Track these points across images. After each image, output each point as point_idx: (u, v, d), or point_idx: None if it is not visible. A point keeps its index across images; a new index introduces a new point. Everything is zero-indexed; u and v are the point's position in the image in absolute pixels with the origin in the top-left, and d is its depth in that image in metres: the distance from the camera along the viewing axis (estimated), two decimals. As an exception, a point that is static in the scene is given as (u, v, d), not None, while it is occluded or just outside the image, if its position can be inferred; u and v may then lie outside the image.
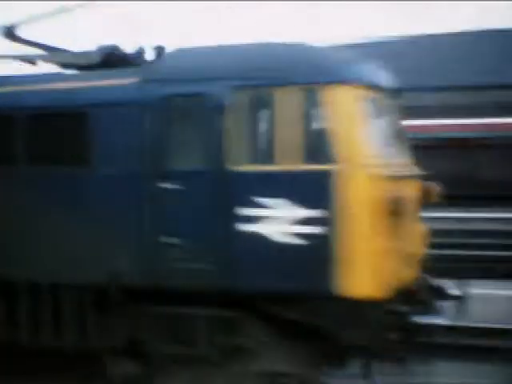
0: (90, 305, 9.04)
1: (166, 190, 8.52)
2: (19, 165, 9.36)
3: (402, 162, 9.10)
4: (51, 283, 9.20)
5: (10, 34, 10.36)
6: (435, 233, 11.14)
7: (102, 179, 8.81)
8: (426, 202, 9.26)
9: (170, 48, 9.27)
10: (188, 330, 8.66)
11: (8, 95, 9.41)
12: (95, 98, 8.83)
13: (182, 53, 8.89)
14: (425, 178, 9.37)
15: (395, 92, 9.35)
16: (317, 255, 7.96)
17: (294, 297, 8.15)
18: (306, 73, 8.10)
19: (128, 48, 9.57)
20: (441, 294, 9.17)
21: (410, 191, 8.92)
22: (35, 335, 9.29)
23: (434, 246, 10.36)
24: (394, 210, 7.94)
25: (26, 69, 10.24)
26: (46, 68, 10.19)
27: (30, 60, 10.09)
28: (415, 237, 9.14)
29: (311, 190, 8.00)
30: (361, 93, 8.16)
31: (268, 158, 8.17)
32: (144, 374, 8.98)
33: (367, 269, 7.83)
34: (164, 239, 8.53)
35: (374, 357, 8.38)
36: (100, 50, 9.39)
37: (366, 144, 8.02)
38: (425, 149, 28.65)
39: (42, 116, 9.09)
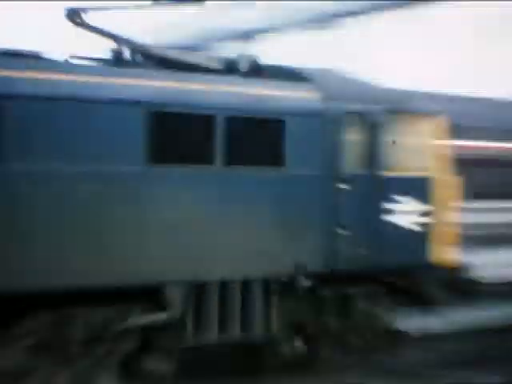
0: (276, 295, 9.62)
1: (341, 189, 10.16)
2: (216, 164, 9.09)
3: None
4: (243, 280, 9.31)
5: (75, 17, 9.24)
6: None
7: (293, 179, 9.74)
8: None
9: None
10: (351, 306, 10.46)
11: (209, 94, 9.07)
12: (290, 108, 9.71)
13: (348, 77, 10.56)
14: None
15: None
16: (425, 237, 11.06)
17: (408, 269, 10.97)
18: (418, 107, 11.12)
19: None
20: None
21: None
22: (224, 331, 9.28)
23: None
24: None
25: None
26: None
27: (147, 52, 9.43)
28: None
29: (422, 190, 11.05)
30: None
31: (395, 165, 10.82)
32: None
33: (450, 245, 11.38)
34: (339, 230, 10.15)
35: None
36: (242, 58, 9.87)
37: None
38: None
39: (241, 119, 9.34)
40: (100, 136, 8.42)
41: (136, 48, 9.74)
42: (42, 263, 8.04)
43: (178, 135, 8.96)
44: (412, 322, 11.75)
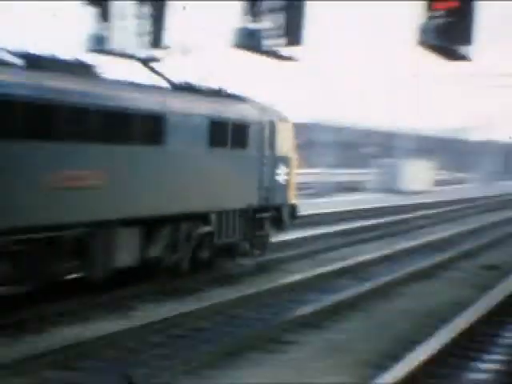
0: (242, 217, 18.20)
1: (263, 163, 18.97)
2: (227, 147, 17.39)
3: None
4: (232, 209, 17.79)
5: (145, 63, 17.13)
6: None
7: (250, 157, 18.33)
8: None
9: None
10: (264, 223, 19.66)
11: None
12: (251, 118, 18.28)
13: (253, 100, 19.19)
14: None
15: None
16: (287, 188, 20.32)
17: (280, 205, 20.03)
18: None
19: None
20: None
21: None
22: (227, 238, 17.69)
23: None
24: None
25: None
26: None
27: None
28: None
29: (287, 162, 20.35)
30: None
31: None
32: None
33: (293, 193, 20.79)
34: (263, 185, 18.98)
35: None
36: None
37: None
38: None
39: (222, 122, 17.28)
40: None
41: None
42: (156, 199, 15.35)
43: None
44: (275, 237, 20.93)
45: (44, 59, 13.51)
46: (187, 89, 17.04)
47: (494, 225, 33.30)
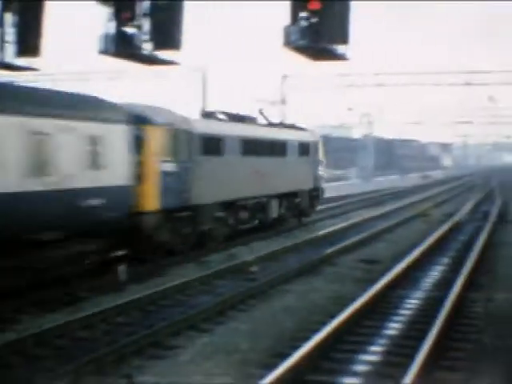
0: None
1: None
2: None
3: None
4: None
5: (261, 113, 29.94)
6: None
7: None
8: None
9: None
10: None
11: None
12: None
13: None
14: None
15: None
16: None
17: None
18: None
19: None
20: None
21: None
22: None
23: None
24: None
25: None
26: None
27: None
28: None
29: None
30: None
31: None
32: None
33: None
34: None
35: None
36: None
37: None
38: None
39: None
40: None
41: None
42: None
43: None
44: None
45: (237, 115, 26.40)
46: (284, 125, 31.68)
47: (372, 220, 34.09)
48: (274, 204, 27.59)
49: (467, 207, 39.82)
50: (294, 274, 18.73)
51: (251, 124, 26.76)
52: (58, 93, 16.89)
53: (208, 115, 24.92)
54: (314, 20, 14.64)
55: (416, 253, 21.27)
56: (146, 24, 16.38)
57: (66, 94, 17.01)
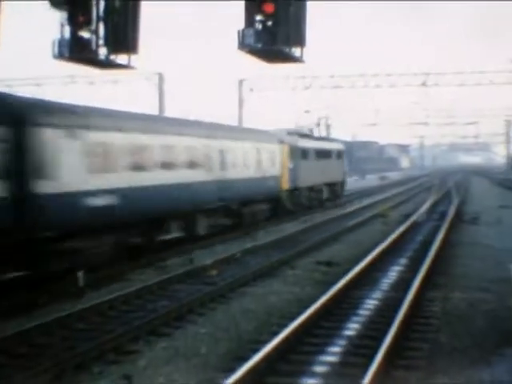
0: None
1: None
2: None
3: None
4: None
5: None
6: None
7: None
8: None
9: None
10: None
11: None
12: None
13: None
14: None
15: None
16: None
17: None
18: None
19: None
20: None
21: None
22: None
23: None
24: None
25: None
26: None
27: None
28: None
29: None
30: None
31: None
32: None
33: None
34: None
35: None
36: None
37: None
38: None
39: None
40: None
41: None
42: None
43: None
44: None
45: (305, 134, 44.37)
46: (328, 139, 53.81)
47: (331, 221, 34.35)
48: (325, 189, 43.72)
49: (424, 208, 40.21)
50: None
51: (315, 139, 45.32)
52: (251, 130, 35.04)
53: (290, 133, 39.40)
54: (269, 23, 14.56)
55: (375, 253, 21.41)
56: (102, 28, 16.16)
57: (251, 130, 35.25)
